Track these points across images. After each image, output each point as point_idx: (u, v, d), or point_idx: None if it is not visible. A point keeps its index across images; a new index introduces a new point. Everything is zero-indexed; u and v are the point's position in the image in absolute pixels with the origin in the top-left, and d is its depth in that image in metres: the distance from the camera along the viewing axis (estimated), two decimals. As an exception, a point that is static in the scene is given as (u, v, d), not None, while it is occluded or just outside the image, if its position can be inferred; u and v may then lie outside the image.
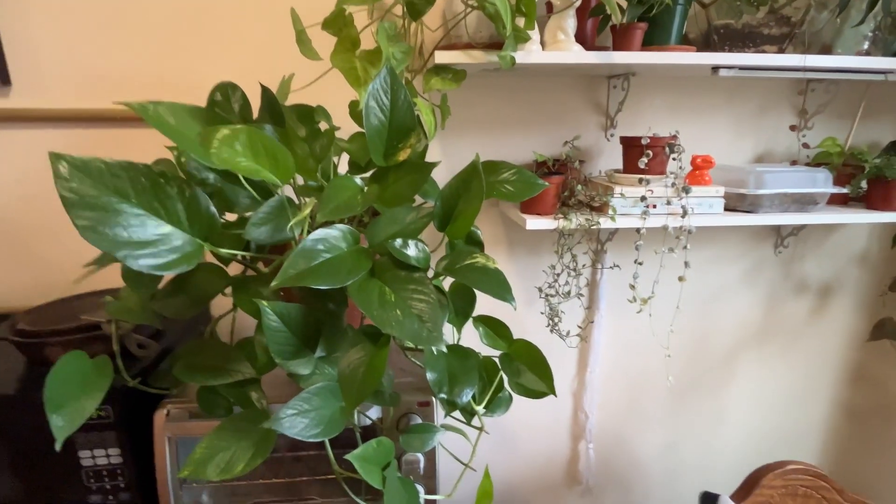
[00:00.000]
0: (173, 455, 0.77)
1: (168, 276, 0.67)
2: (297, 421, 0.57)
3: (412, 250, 0.61)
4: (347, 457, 0.57)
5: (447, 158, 1.12)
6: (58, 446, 0.54)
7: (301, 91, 0.92)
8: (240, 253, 0.57)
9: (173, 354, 0.82)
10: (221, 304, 1.09)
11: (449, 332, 0.78)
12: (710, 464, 1.46)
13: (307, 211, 0.53)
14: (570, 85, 1.12)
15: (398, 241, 0.60)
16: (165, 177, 0.47)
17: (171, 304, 0.65)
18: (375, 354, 0.57)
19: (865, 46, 1.00)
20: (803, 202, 1.03)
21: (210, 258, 0.64)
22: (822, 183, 1.02)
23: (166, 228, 0.48)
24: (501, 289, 0.61)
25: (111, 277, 1.06)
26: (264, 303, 0.55)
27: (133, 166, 0.46)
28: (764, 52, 0.95)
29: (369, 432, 0.79)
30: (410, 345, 0.88)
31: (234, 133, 0.50)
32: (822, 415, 1.46)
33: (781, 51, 0.94)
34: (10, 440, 0.75)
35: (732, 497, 1.02)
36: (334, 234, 0.59)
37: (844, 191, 1.05)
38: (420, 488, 0.80)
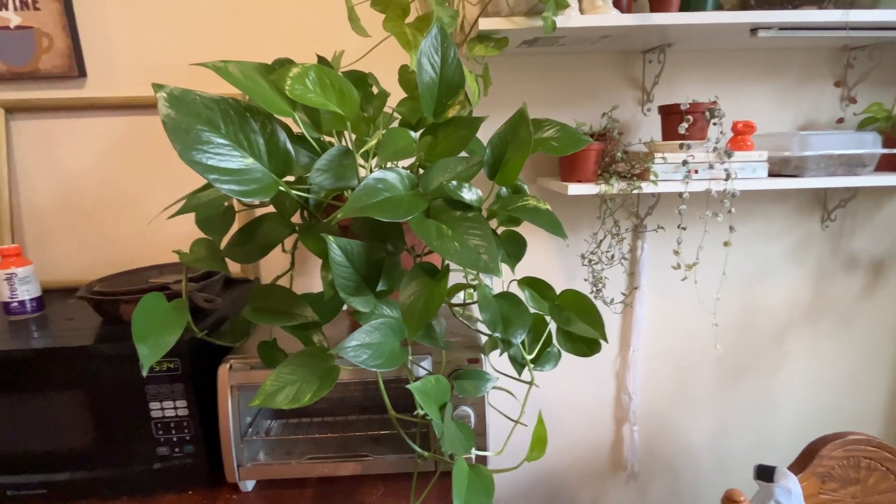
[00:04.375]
0: (235, 406, 0.81)
1: (236, 225, 0.72)
2: (361, 351, 0.60)
3: (466, 192, 0.64)
4: (409, 386, 0.60)
5: (489, 133, 1.16)
6: (144, 372, 0.58)
7: (350, 66, 0.98)
8: (308, 195, 0.61)
9: (235, 314, 0.87)
10: (279, 264, 1.15)
11: (499, 285, 0.80)
12: (762, 449, 1.41)
13: (374, 141, 0.57)
14: (606, 62, 1.15)
15: (453, 183, 0.63)
16: (252, 110, 0.52)
17: (239, 251, 0.70)
18: (435, 285, 0.59)
19: (909, 6, 0.99)
20: (851, 164, 1.02)
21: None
22: (870, 144, 1.01)
23: (248, 161, 0.52)
24: (553, 226, 0.63)
25: (165, 253, 1.12)
26: (330, 238, 0.59)
27: (224, 100, 0.51)
28: (803, 12, 0.95)
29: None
30: (459, 301, 0.90)
31: (305, 70, 0.55)
32: (880, 397, 1.39)
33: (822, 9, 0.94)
34: (86, 390, 0.80)
35: (789, 468, 0.98)
36: (392, 176, 0.62)
37: (895, 152, 1.02)
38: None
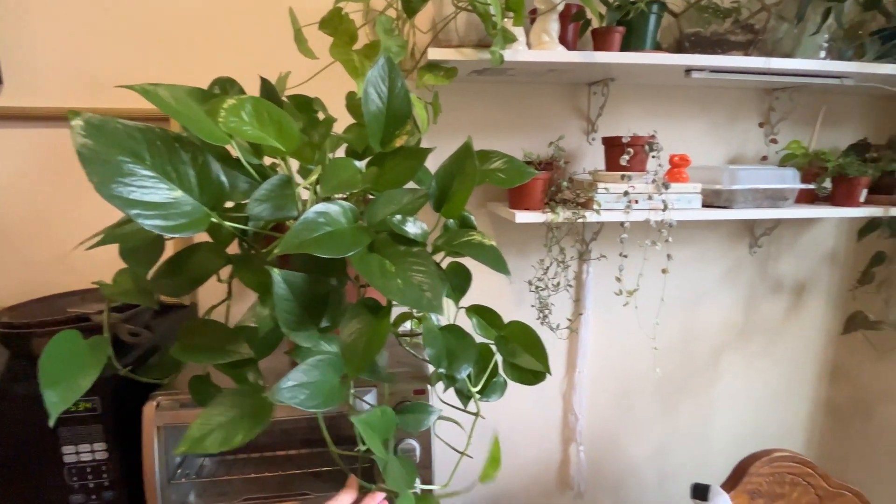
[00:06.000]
0: (161, 447, 0.75)
1: (165, 255, 0.68)
2: (297, 391, 0.57)
3: (411, 226, 0.63)
4: (353, 419, 0.57)
5: (438, 160, 1.16)
6: (51, 422, 0.53)
7: (296, 88, 0.95)
8: (245, 227, 0.58)
9: (165, 346, 0.81)
10: (216, 289, 1.08)
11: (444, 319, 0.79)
12: (701, 464, 1.47)
13: (315, 176, 0.55)
14: (553, 92, 1.18)
15: (397, 217, 0.62)
16: (181, 141, 0.49)
17: (168, 283, 0.65)
18: (377, 323, 0.58)
19: (822, 55, 1.09)
20: (775, 198, 1.09)
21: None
22: (790, 180, 1.09)
23: (177, 193, 0.49)
24: (497, 262, 0.63)
25: (89, 278, 1.04)
26: (276, 271, 0.56)
27: (150, 129, 0.47)
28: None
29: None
30: (406, 328, 0.89)
31: (241, 102, 0.52)
32: (804, 410, 1.49)
33: (747, 55, 1.02)
34: (-11, 435, 0.72)
35: (722, 486, 1.03)
36: (335, 209, 0.60)
37: (812, 187, 1.11)
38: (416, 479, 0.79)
